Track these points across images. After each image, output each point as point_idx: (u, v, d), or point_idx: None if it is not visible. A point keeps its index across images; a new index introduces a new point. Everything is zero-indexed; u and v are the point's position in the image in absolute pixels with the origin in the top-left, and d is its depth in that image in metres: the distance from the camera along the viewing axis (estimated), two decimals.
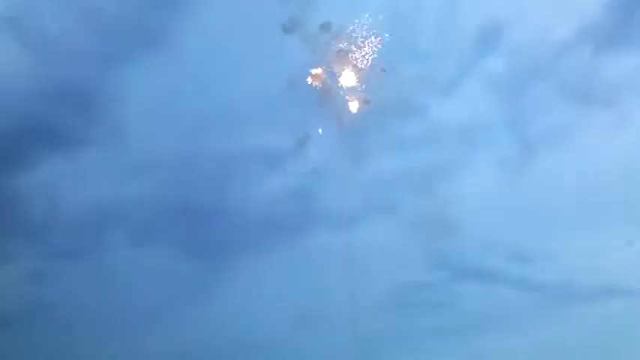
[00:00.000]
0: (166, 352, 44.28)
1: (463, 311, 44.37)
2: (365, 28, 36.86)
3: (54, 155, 47.76)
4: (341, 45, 37.06)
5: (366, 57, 36.95)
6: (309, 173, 45.43)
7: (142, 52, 46.31)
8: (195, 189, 47.47)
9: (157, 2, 46.60)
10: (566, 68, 47.15)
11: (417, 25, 42.44)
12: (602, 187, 45.58)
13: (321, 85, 37.44)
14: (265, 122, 45.39)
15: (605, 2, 45.82)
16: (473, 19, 45.37)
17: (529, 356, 43.34)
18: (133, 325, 45.41)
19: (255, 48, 43.27)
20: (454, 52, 45.70)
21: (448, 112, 43.87)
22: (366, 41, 36.93)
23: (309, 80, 37.44)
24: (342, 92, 37.49)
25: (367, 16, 36.68)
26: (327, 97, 37.43)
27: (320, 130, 38.40)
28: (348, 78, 37.41)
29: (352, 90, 37.44)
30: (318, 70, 37.26)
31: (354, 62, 37.08)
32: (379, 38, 37.01)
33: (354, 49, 37.00)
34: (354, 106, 37.57)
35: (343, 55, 36.99)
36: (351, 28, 36.91)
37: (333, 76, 37.47)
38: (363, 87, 37.40)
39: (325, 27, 36.82)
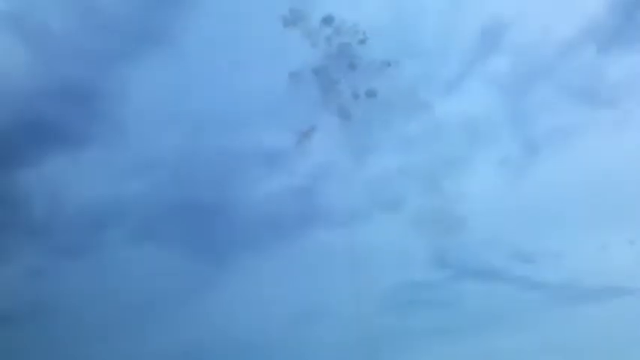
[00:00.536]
0: (167, 350, 44.06)
1: (465, 310, 44.20)
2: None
3: (55, 153, 47.86)
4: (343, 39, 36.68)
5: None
6: (311, 171, 45.48)
7: (144, 50, 46.49)
8: (196, 187, 47.45)
9: (159, 0, 46.73)
10: (569, 68, 47.37)
11: (420, 24, 42.51)
12: (605, 186, 45.58)
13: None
14: (267, 120, 45.41)
15: (609, 2, 46.08)
16: (476, 18, 45.55)
17: (532, 356, 43.06)
18: (134, 323, 45.31)
19: (256, 45, 43.27)
20: (457, 51, 45.89)
21: (451, 110, 43.81)
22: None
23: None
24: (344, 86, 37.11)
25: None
26: (330, 92, 37.14)
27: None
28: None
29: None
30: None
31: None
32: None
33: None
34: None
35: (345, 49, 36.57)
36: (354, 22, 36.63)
37: (336, 70, 37.14)
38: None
39: (327, 20, 36.51)
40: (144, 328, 45.39)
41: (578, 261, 45.02)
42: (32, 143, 46.75)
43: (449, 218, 40.73)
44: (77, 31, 45.60)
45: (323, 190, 45.77)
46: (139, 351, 43.98)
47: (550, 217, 46.25)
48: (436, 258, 44.44)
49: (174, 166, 47.53)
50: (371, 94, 36.76)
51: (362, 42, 36.69)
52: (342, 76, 37.21)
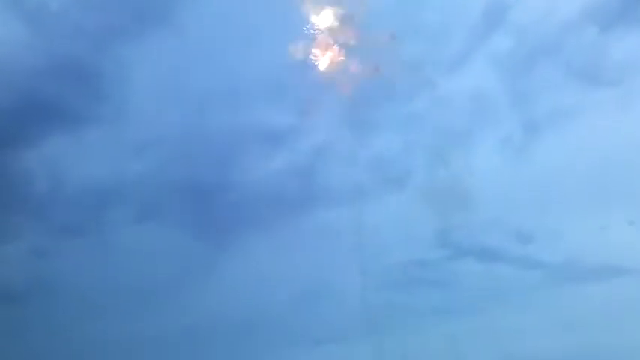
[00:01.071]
0: (170, 328, 44.42)
1: (466, 288, 44.38)
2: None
3: (58, 133, 47.77)
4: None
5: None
6: (314, 149, 45.45)
7: (145, 28, 46.21)
8: (199, 166, 47.39)
9: None
10: (571, 48, 47.20)
11: (424, 1, 42.29)
12: (606, 166, 45.66)
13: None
14: (269, 98, 45.34)
15: None
16: None
17: (533, 334, 43.52)
18: (136, 301, 45.55)
19: (258, 23, 43.09)
20: (461, 30, 45.73)
21: (454, 88, 43.79)
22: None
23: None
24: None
25: None
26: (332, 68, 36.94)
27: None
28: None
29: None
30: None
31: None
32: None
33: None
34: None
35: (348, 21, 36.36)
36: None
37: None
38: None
39: None
40: (146, 306, 45.71)
41: (578, 241, 45.19)
42: (34, 123, 46.67)
43: (451, 197, 40.85)
44: (78, 9, 45.36)
45: (326, 168, 45.83)
46: (141, 328, 44.31)
47: (550, 196, 46.47)
48: (437, 237, 44.59)
49: (176, 146, 47.51)
50: (375, 70, 36.69)
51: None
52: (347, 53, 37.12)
